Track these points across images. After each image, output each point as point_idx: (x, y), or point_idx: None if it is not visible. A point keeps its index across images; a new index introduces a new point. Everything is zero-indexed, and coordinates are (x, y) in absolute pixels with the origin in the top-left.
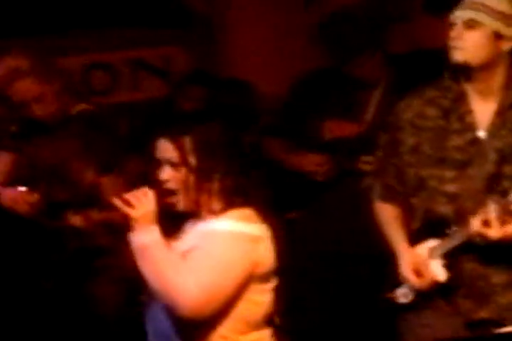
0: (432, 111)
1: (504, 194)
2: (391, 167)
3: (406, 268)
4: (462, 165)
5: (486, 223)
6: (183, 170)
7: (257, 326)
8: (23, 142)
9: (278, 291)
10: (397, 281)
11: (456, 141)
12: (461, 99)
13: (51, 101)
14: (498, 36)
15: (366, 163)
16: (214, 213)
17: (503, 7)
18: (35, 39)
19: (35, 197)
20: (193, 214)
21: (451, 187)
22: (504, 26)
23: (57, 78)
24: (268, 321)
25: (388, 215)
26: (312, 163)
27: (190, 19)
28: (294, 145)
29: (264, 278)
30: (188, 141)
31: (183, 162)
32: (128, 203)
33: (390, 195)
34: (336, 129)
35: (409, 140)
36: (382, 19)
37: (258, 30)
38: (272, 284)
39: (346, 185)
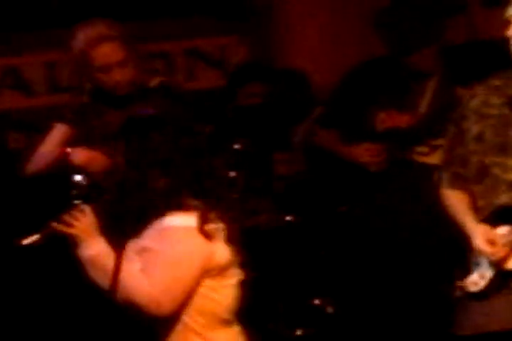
0: (496, 100)
1: None
2: (458, 156)
3: (480, 239)
4: None
5: None
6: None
7: (224, 322)
8: (86, 116)
9: (245, 286)
10: (466, 270)
11: None
12: None
13: (131, 69)
14: None
15: (419, 153)
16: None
17: None
18: None
19: (108, 160)
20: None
21: None
22: None
23: (137, 48)
24: (237, 318)
25: (457, 200)
26: (366, 153)
27: (246, 9)
28: (347, 136)
29: (219, 274)
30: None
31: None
32: (66, 223)
33: (459, 183)
34: (390, 120)
35: (474, 128)
36: (440, 10)
37: (314, 19)
38: (232, 280)
39: (400, 176)
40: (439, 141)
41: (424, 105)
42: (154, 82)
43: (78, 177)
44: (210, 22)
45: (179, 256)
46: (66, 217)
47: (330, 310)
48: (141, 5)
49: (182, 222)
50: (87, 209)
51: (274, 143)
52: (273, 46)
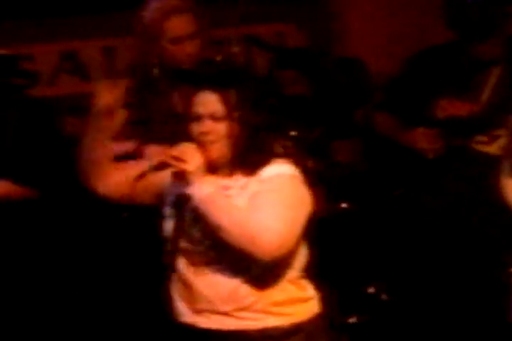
0: None
1: None
2: None
3: None
4: None
5: None
6: (225, 124)
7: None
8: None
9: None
10: None
11: None
12: None
13: (201, 42)
14: None
15: (479, 142)
16: (258, 165)
17: None
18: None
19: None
20: (224, 169)
21: None
22: None
23: (207, 22)
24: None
25: None
26: (424, 139)
27: None
28: (406, 122)
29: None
30: (233, 95)
31: (228, 115)
32: (179, 159)
33: None
34: (450, 108)
35: None
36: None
37: (372, 6)
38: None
39: (458, 164)
40: (500, 131)
41: (486, 94)
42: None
43: None
44: (268, 8)
45: (297, 200)
46: (178, 153)
47: (384, 297)
48: None
49: (288, 170)
50: (194, 146)
51: (333, 131)
52: (331, 33)
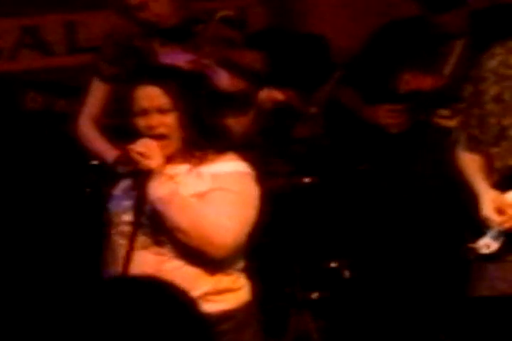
0: None
1: None
2: (474, 117)
3: (488, 207)
4: None
5: None
6: (173, 115)
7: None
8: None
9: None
10: (478, 231)
11: None
12: None
13: (169, 1)
14: None
15: (442, 116)
16: (209, 156)
17: None
18: None
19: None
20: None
21: None
22: None
23: None
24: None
25: (471, 164)
26: (387, 114)
27: None
28: (369, 97)
29: None
30: (175, 87)
31: (175, 107)
32: (143, 155)
33: (473, 145)
34: (414, 81)
35: (492, 89)
36: None
37: None
38: None
39: (420, 138)
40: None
41: (449, 68)
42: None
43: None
44: None
45: (250, 199)
46: (142, 148)
47: (346, 273)
48: None
49: (242, 167)
50: (154, 143)
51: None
52: (293, 9)
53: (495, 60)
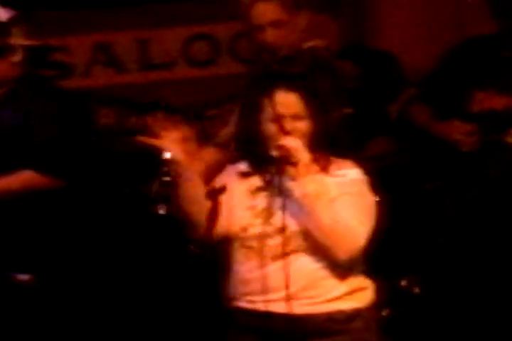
0: None
1: None
2: None
3: None
4: None
5: None
6: (305, 122)
7: None
8: None
9: None
10: None
11: None
12: None
13: (287, 33)
14: None
15: None
16: (332, 164)
17: None
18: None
19: None
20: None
21: None
22: None
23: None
24: None
25: None
26: (459, 132)
27: None
28: (441, 114)
29: None
30: (310, 94)
31: (309, 114)
32: (293, 151)
33: None
34: (487, 101)
35: None
36: None
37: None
38: None
39: (492, 157)
40: None
41: None
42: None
43: (169, 155)
44: None
45: (372, 205)
46: (292, 143)
47: (416, 290)
48: None
49: (362, 174)
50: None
51: (367, 125)
52: (365, 27)
53: None
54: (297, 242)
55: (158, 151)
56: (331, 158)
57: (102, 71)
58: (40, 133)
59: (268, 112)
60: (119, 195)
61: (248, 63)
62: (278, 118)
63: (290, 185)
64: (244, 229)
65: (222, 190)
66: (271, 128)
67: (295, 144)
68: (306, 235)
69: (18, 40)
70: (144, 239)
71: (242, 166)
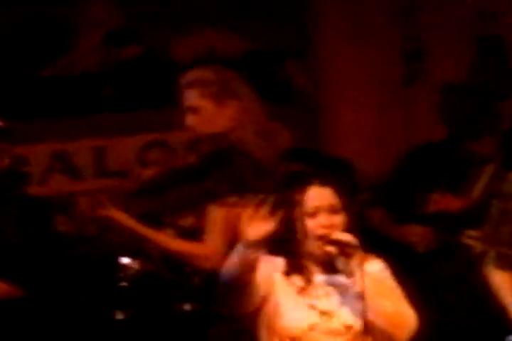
0: None
1: None
2: (504, 235)
3: None
4: None
5: None
6: (343, 214)
7: None
8: None
9: None
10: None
11: None
12: None
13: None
14: None
15: (470, 237)
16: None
17: None
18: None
19: None
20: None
21: None
22: None
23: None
24: None
25: (502, 281)
26: (415, 234)
27: (292, 95)
28: (397, 217)
29: None
30: (344, 187)
31: (344, 206)
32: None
33: (504, 263)
34: (442, 202)
35: None
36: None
37: (360, 107)
38: None
39: (449, 258)
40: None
41: (478, 190)
42: None
43: (126, 260)
44: None
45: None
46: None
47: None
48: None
49: (384, 266)
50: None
51: None
52: (320, 133)
53: None
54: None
55: (115, 257)
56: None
57: (58, 179)
58: (9, 240)
59: (304, 207)
60: (77, 303)
61: None
62: (314, 213)
63: (347, 282)
64: (313, 328)
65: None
66: (308, 223)
67: (349, 238)
68: (367, 332)
69: None
70: None
71: (279, 262)
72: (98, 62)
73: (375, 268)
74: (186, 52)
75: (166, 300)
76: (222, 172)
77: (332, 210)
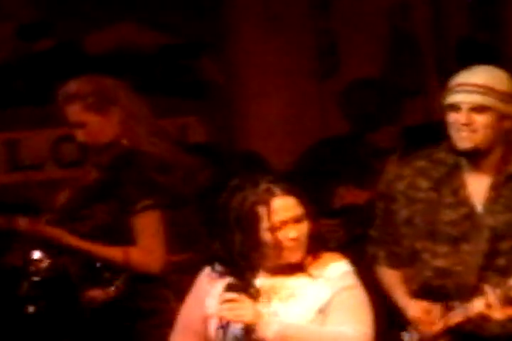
0: (423, 183)
1: (501, 271)
2: (389, 236)
3: (415, 311)
4: (456, 241)
5: (488, 305)
6: (305, 224)
7: None
8: None
9: None
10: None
11: (449, 215)
12: (455, 172)
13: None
14: (502, 117)
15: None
16: (321, 261)
17: (504, 87)
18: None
19: None
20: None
21: (442, 262)
22: (507, 106)
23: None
24: None
25: (392, 280)
26: (323, 229)
27: (206, 89)
28: None
29: None
30: (305, 195)
31: (307, 214)
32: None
33: (393, 261)
34: (348, 196)
35: (403, 211)
36: (398, 92)
37: (274, 100)
38: None
39: (358, 251)
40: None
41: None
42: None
43: (38, 255)
44: (170, 101)
45: (366, 295)
46: (230, 306)
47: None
48: None
49: (349, 266)
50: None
51: None
52: (233, 127)
53: (403, 182)
54: None
55: (26, 250)
56: (321, 256)
57: None
58: None
59: (271, 220)
60: None
61: None
62: (281, 225)
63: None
64: None
65: None
66: (278, 236)
67: (235, 302)
68: None
69: None
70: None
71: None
72: (10, 55)
73: (337, 273)
74: (99, 46)
75: (74, 294)
76: (129, 177)
77: (297, 220)
